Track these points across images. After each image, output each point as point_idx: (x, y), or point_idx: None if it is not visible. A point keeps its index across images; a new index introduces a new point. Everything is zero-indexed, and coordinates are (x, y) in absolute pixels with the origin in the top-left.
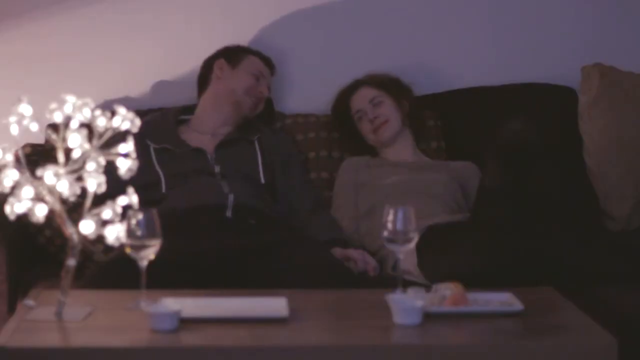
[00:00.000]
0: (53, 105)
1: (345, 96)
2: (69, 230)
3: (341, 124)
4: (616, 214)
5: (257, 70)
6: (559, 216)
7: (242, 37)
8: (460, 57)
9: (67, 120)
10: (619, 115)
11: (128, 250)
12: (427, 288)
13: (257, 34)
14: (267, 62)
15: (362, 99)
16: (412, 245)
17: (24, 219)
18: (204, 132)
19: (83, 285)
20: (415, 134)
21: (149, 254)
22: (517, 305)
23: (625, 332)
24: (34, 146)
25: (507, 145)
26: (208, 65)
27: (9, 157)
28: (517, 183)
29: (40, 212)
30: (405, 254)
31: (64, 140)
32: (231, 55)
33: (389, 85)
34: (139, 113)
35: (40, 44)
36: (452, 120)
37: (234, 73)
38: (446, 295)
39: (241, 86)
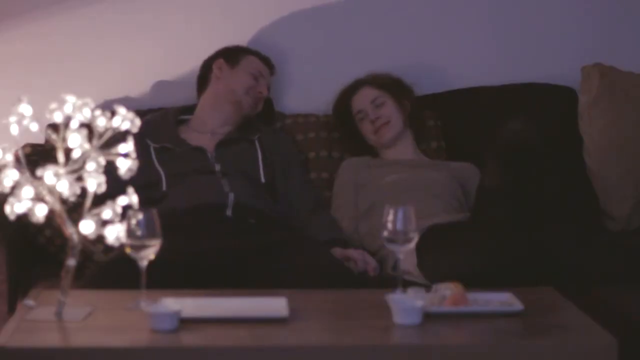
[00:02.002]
0: (53, 105)
1: (346, 96)
2: (69, 230)
3: (342, 124)
4: (616, 214)
5: (256, 70)
6: (559, 216)
7: (242, 37)
8: (460, 57)
9: (67, 120)
10: (619, 115)
11: (128, 250)
12: (427, 288)
13: (257, 34)
14: (266, 61)
15: (363, 99)
16: (412, 245)
17: (24, 219)
18: (204, 132)
19: (83, 285)
20: (415, 135)
21: (149, 254)
22: (517, 305)
23: (625, 332)
24: (34, 146)
25: (507, 145)
26: (207, 66)
27: (9, 157)
28: (517, 183)
29: (40, 212)
30: (405, 254)
31: (64, 140)
32: (230, 55)
33: (391, 85)
34: (139, 113)
35: (40, 44)
36: (452, 120)
37: (233, 73)
38: (446, 295)
39: (241, 86)
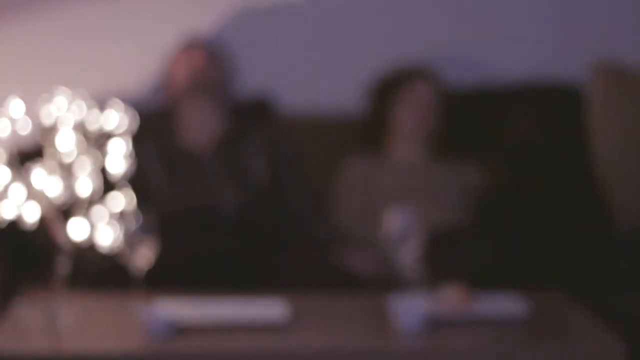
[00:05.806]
0: (47, 105)
1: (417, 73)
2: (62, 233)
3: (387, 87)
4: (623, 216)
5: (180, 58)
6: (564, 218)
7: (241, 36)
8: (461, 57)
9: (61, 120)
10: (625, 116)
11: (124, 254)
12: (430, 290)
13: (257, 33)
14: (185, 45)
15: (427, 92)
16: (412, 245)
17: (17, 222)
18: (196, 131)
19: (78, 288)
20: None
21: (146, 255)
22: (523, 309)
23: (633, 336)
24: (26, 147)
25: (510, 146)
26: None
27: (1, 158)
28: (521, 184)
29: (32, 215)
30: (407, 254)
31: (57, 141)
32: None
33: (446, 105)
34: (138, 113)
35: (40, 44)
36: (452, 120)
37: (169, 78)
38: (450, 298)
39: (177, 79)
